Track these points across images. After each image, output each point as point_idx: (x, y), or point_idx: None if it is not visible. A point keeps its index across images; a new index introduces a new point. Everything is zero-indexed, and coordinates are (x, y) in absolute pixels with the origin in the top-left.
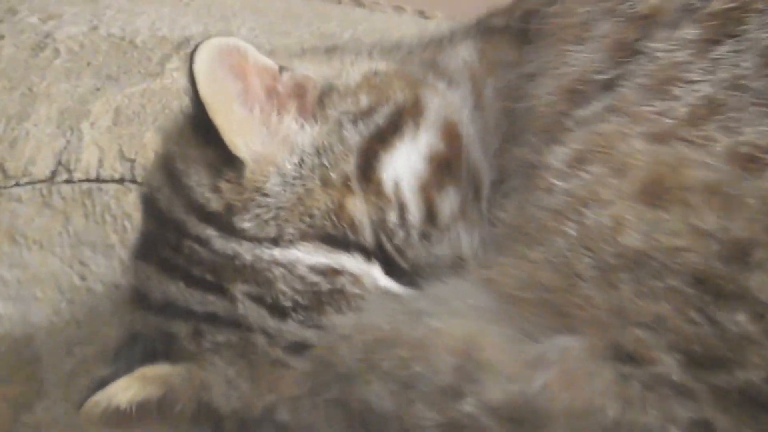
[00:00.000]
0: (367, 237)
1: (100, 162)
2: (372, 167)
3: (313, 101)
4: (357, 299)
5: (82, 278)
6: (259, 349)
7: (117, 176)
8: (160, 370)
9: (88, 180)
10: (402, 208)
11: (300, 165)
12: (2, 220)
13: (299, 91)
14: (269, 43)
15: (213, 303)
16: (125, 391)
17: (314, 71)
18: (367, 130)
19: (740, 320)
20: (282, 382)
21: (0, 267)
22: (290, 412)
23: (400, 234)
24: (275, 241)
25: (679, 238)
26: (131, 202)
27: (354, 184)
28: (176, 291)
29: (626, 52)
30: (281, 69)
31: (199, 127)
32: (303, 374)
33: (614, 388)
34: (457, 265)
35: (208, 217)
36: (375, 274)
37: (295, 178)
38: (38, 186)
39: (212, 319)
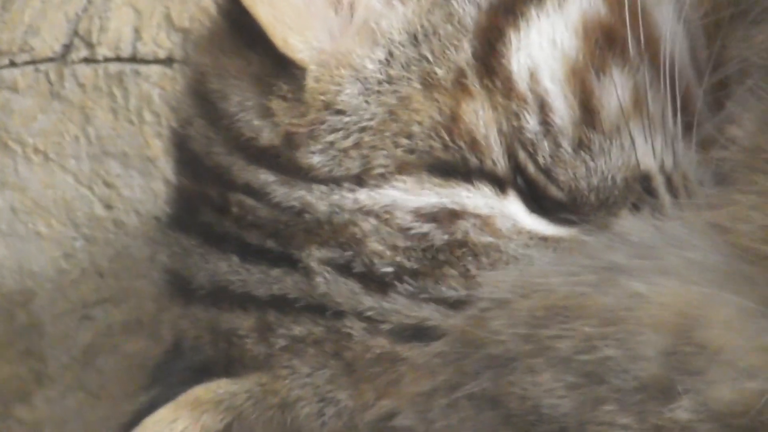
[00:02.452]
0: (498, 158)
1: (137, 32)
2: (497, 54)
3: None
4: (491, 253)
5: (108, 206)
6: (356, 340)
7: (162, 54)
8: (218, 388)
9: (118, 59)
10: (543, 107)
11: (388, 62)
12: None
13: None
14: None
15: (281, 281)
16: (171, 425)
17: None
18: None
19: None
20: (399, 383)
21: None
22: (417, 415)
23: (545, 146)
24: (359, 180)
25: None
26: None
27: (472, 81)
28: (228, 270)
29: None
30: None
31: (237, 25)
32: (434, 362)
33: None
34: (639, 187)
35: (259, 155)
36: (513, 211)
37: (381, 82)
38: (43, 67)
39: (283, 304)
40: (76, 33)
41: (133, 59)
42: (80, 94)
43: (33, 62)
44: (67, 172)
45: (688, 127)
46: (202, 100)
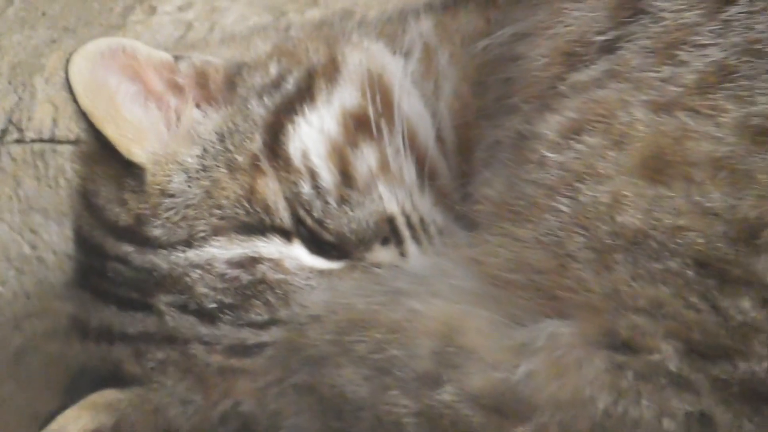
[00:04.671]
0: (284, 216)
1: (55, 121)
2: (279, 142)
3: (220, 85)
4: (283, 286)
5: (33, 247)
6: (200, 358)
7: (72, 137)
8: (109, 396)
9: (41, 140)
10: (313, 176)
11: (203, 156)
12: None
13: (201, 78)
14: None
15: (143, 321)
16: (76, 421)
17: (222, 55)
18: (274, 102)
19: (745, 307)
20: (236, 385)
21: None
22: (255, 402)
23: (317, 204)
24: (188, 243)
25: (681, 217)
26: None
27: (264, 163)
28: (111, 315)
29: (629, 11)
30: (177, 59)
31: (99, 138)
32: (267, 361)
33: (606, 377)
34: (387, 227)
35: (121, 233)
36: (296, 254)
37: (198, 170)
38: None
39: (147, 337)
40: (10, 121)
41: (52, 140)
42: (13, 165)
43: None
44: (3, 223)
45: (431, 185)
46: (84, 198)
